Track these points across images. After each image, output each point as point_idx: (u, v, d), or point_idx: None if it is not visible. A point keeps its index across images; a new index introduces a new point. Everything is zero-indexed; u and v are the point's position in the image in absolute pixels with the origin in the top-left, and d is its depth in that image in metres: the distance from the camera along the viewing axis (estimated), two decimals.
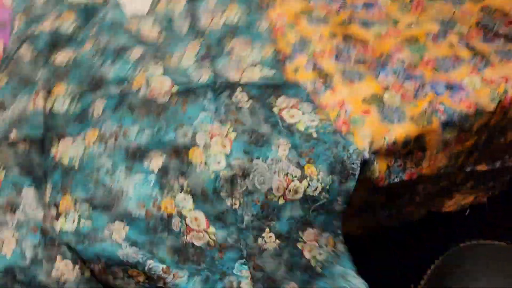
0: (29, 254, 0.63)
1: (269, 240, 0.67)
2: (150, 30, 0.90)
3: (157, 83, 0.76)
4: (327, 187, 0.67)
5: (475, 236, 0.93)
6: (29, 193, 0.68)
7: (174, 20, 0.91)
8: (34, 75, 0.82)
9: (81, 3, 0.95)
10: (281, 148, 0.69)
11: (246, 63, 0.84)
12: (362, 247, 0.91)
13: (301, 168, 0.68)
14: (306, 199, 0.67)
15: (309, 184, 0.67)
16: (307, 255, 0.68)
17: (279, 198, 0.67)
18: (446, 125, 0.82)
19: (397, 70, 0.90)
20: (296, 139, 0.70)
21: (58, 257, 0.63)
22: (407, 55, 0.93)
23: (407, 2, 1.07)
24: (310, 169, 0.68)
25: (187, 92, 0.75)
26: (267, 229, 0.67)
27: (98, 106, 0.76)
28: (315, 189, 0.67)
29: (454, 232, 1.02)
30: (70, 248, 0.64)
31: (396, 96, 0.84)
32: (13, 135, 0.73)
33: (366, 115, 0.79)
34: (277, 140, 0.69)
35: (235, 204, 0.66)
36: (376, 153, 0.74)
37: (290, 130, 0.71)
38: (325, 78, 0.86)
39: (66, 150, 0.72)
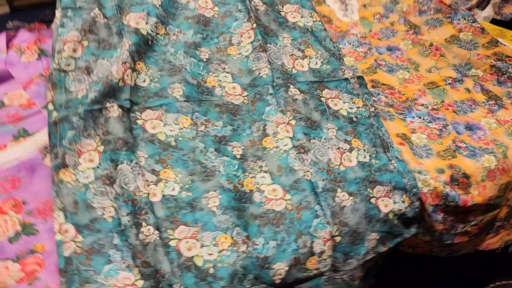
0: (123, 221, 0.73)
1: (344, 198, 0.83)
2: (206, 3, 1.07)
3: (230, 88, 0.96)
4: (374, 155, 0.88)
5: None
6: (123, 168, 0.78)
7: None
8: (111, 39, 0.93)
9: None
10: (330, 131, 0.91)
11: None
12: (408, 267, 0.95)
13: (349, 142, 0.89)
14: (362, 165, 0.86)
15: (358, 154, 0.87)
16: (383, 209, 0.82)
17: (339, 165, 0.86)
18: (473, 156, 0.91)
19: (421, 115, 1.02)
20: (340, 122, 0.92)
21: (143, 223, 0.73)
22: (429, 99, 1.05)
23: (427, 46, 1.21)
24: (356, 143, 0.89)
25: (254, 94, 0.94)
26: (339, 190, 0.84)
27: (178, 89, 0.91)
28: (364, 157, 0.87)
29: (497, 268, 1.08)
30: (153, 214, 0.74)
31: (423, 135, 0.96)
32: (108, 107, 0.83)
33: (402, 146, 0.92)
34: (326, 124, 0.92)
35: (306, 175, 0.84)
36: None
37: (335, 115, 0.93)
38: None
39: (157, 126, 0.85)
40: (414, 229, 0.85)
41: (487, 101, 1.05)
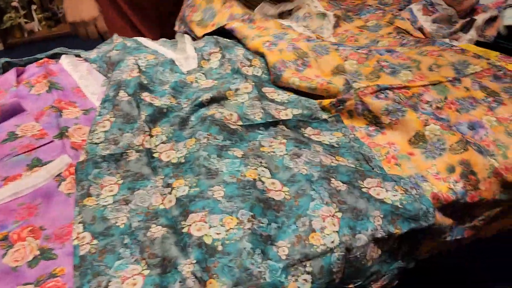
0: (134, 225, 0.83)
1: (338, 185, 0.90)
2: (206, 81, 1.25)
3: (228, 115, 1.08)
4: (358, 166, 0.98)
5: None
6: (140, 192, 0.90)
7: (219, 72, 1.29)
8: (133, 112, 1.08)
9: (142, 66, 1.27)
10: (317, 147, 1.01)
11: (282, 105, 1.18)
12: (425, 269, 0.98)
13: (334, 157, 1.00)
14: (350, 167, 0.94)
15: (343, 162, 0.98)
16: (377, 196, 0.88)
17: (330, 163, 0.96)
18: (480, 153, 0.95)
19: (427, 114, 1.07)
20: (324, 146, 1.02)
21: (153, 225, 0.82)
22: (434, 95, 1.11)
23: (423, 50, 1.28)
24: (340, 159, 0.99)
25: (247, 126, 1.06)
26: (332, 179, 0.91)
27: (188, 134, 1.04)
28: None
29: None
30: (167, 219, 0.84)
31: (436, 126, 1.01)
32: (128, 153, 0.99)
33: (410, 156, 0.99)
34: (313, 144, 1.02)
35: (301, 171, 0.92)
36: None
37: (319, 143, 1.04)
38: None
39: (171, 154, 0.99)
40: (432, 218, 0.87)
41: (486, 98, 1.09)
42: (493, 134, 0.99)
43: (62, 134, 1.04)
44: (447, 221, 0.91)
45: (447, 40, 1.41)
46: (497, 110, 1.06)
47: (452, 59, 1.23)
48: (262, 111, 1.11)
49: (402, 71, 1.20)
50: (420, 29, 1.49)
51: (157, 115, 1.09)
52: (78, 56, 1.37)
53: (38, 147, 1.02)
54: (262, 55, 1.32)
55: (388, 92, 1.11)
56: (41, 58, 1.34)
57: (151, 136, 1.04)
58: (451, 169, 0.94)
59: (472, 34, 1.46)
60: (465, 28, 1.50)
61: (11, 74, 1.24)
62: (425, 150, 0.99)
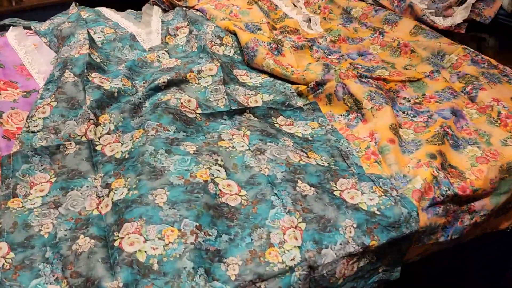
0: (59, 235, 0.70)
1: (305, 189, 0.77)
2: (169, 61, 1.10)
3: (186, 101, 0.94)
4: (333, 163, 0.86)
5: None
6: (73, 194, 0.77)
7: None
8: (79, 96, 0.95)
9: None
10: (287, 141, 0.88)
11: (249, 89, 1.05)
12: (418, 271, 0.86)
13: (306, 153, 0.86)
14: (322, 165, 0.83)
15: (316, 160, 0.85)
16: (350, 201, 0.76)
17: (299, 161, 0.82)
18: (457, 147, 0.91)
19: (405, 109, 1.01)
20: (296, 139, 0.91)
21: (81, 236, 0.70)
22: (410, 93, 1.05)
23: (395, 46, 1.22)
24: (312, 155, 0.87)
25: (208, 114, 0.94)
26: (299, 181, 0.78)
27: (137, 124, 0.90)
28: (323, 163, 0.85)
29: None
30: (99, 228, 0.71)
31: (409, 131, 0.94)
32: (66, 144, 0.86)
33: (391, 145, 0.88)
34: (282, 136, 0.89)
35: (263, 171, 0.80)
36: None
37: (290, 135, 0.92)
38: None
39: (116, 148, 0.85)
40: (416, 224, 0.75)
41: (465, 89, 1.05)
42: (473, 125, 0.95)
43: None
44: (439, 220, 0.80)
45: None
46: (478, 98, 1.01)
47: (427, 52, 1.16)
48: (226, 97, 0.97)
49: (377, 70, 1.12)
50: (410, 6, 1.35)
51: (106, 100, 0.95)
52: (29, 28, 1.22)
53: None
54: (234, 34, 1.18)
55: (369, 80, 1.02)
56: None
57: (97, 124, 0.91)
58: (432, 156, 0.84)
59: (465, 8, 1.33)
60: (460, 3, 1.38)
61: None
62: (401, 146, 0.89)
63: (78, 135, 0.88)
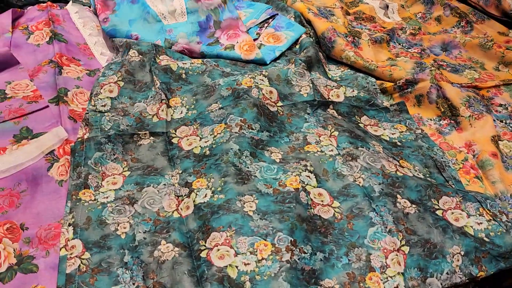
0: (138, 237, 0.65)
1: (406, 205, 0.69)
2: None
3: (267, 92, 0.86)
4: (428, 175, 0.77)
5: None
6: (149, 190, 0.71)
7: None
8: (146, 78, 0.89)
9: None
10: (376, 146, 0.79)
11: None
12: None
13: (397, 161, 0.78)
14: (419, 178, 0.74)
15: (410, 171, 0.76)
16: (454, 223, 0.68)
17: (395, 171, 0.73)
18: None
19: (502, 117, 0.91)
20: (384, 144, 0.82)
21: (163, 242, 0.64)
22: (506, 99, 0.95)
23: (489, 40, 1.10)
24: (405, 164, 0.78)
25: (290, 106, 0.86)
26: (398, 196, 0.70)
27: (214, 108, 0.83)
28: (418, 174, 0.76)
29: None
30: (181, 233, 0.65)
31: (510, 143, 0.85)
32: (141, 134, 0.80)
33: (494, 159, 0.79)
34: (371, 140, 0.80)
35: (358, 180, 0.72)
36: None
37: (378, 138, 0.83)
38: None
39: (193, 142, 0.79)
40: None
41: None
42: None
43: (59, 98, 0.84)
44: None
45: None
46: None
47: None
48: (311, 85, 0.88)
49: (465, 70, 1.02)
50: (498, 0, 1.23)
51: (174, 83, 0.89)
52: (88, 6, 1.15)
53: (29, 113, 0.82)
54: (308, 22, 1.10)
55: (463, 86, 0.93)
56: (44, 1, 1.12)
57: (169, 106, 0.85)
58: None
59: None
60: None
61: (6, 16, 1.03)
62: (504, 162, 0.80)
63: (150, 114, 0.82)
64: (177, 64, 0.92)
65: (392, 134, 0.85)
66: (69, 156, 0.75)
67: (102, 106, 0.83)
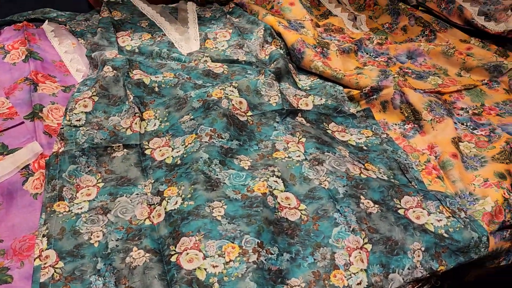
0: (111, 245, 0.66)
1: (369, 205, 0.72)
2: (215, 66, 1.03)
3: (237, 103, 0.89)
4: (392, 177, 0.80)
5: None
6: (122, 200, 0.73)
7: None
8: (120, 93, 0.92)
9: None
10: (342, 151, 0.82)
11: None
12: None
13: (363, 165, 0.81)
14: (383, 180, 0.77)
15: (375, 173, 0.79)
16: (415, 221, 0.71)
17: (359, 174, 0.77)
18: None
19: (463, 120, 0.95)
20: (351, 149, 0.85)
21: (134, 248, 0.66)
22: (467, 102, 0.99)
23: (451, 47, 1.14)
24: (370, 167, 0.81)
25: (260, 116, 0.89)
26: (362, 197, 0.73)
27: (186, 120, 0.86)
28: (383, 176, 0.79)
29: None
30: (152, 240, 0.67)
31: (470, 144, 0.89)
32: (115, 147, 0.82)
33: (454, 160, 0.83)
34: (337, 145, 0.83)
35: (323, 183, 0.75)
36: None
37: (345, 143, 0.87)
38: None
39: (166, 152, 0.81)
40: (485, 249, 0.70)
41: None
42: None
43: (34, 114, 0.86)
44: (505, 244, 0.75)
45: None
46: None
47: (483, 61, 1.09)
48: (279, 94, 0.92)
49: (430, 76, 1.06)
50: (460, 9, 1.29)
51: (148, 97, 0.91)
52: (64, 24, 1.17)
53: (4, 130, 0.84)
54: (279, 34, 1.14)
55: (426, 92, 0.97)
56: (20, 21, 1.14)
57: (142, 119, 0.87)
58: (501, 176, 0.79)
59: None
60: None
61: None
62: (464, 162, 0.83)
63: (124, 127, 0.85)
64: (150, 78, 0.94)
65: (359, 139, 0.88)
66: (44, 170, 0.77)
67: (77, 120, 0.85)
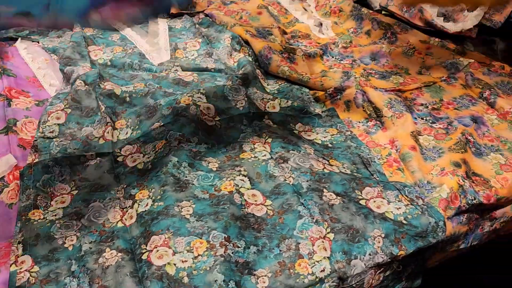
0: (84, 248, 0.69)
1: (331, 198, 0.76)
2: (185, 74, 1.08)
3: (205, 108, 0.92)
4: (355, 171, 0.85)
5: None
6: (95, 205, 0.76)
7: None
8: (92, 104, 0.95)
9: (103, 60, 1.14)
10: (308, 149, 0.87)
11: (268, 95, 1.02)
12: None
13: (328, 161, 0.85)
14: (345, 173, 0.82)
15: (338, 168, 0.84)
16: (376, 210, 0.75)
17: (322, 169, 0.81)
18: (479, 155, 0.90)
19: (423, 115, 0.99)
20: (316, 147, 0.90)
21: (107, 249, 0.68)
22: (427, 99, 1.04)
23: (410, 48, 1.21)
24: (334, 162, 0.85)
25: (228, 120, 0.92)
26: (325, 190, 0.77)
27: (156, 127, 0.89)
28: (345, 170, 0.84)
29: None
30: (125, 240, 0.70)
31: (429, 137, 0.93)
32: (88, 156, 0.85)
33: (413, 152, 0.87)
34: (303, 144, 0.88)
35: (288, 179, 0.79)
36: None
37: (311, 142, 0.91)
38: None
39: (137, 158, 0.84)
40: (442, 233, 0.74)
41: (482, 94, 1.04)
42: (495, 132, 0.94)
43: (8, 128, 0.89)
44: (462, 228, 0.79)
45: None
46: (497, 104, 1.01)
47: (442, 59, 1.16)
48: (246, 99, 0.96)
49: (392, 76, 1.12)
50: (420, 11, 1.35)
51: (119, 107, 0.95)
52: (36, 41, 1.20)
53: None
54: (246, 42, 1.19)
55: (387, 90, 1.02)
56: None
57: (115, 128, 0.90)
58: (457, 164, 0.83)
59: (477, 16, 1.32)
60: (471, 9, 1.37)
61: None
62: (423, 153, 0.88)
63: (96, 137, 0.87)
64: (121, 88, 0.97)
65: (324, 137, 0.93)
66: (18, 181, 0.79)
67: (50, 132, 0.88)
